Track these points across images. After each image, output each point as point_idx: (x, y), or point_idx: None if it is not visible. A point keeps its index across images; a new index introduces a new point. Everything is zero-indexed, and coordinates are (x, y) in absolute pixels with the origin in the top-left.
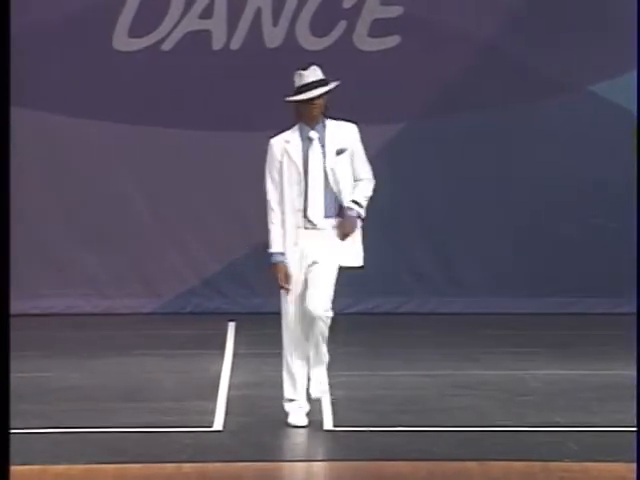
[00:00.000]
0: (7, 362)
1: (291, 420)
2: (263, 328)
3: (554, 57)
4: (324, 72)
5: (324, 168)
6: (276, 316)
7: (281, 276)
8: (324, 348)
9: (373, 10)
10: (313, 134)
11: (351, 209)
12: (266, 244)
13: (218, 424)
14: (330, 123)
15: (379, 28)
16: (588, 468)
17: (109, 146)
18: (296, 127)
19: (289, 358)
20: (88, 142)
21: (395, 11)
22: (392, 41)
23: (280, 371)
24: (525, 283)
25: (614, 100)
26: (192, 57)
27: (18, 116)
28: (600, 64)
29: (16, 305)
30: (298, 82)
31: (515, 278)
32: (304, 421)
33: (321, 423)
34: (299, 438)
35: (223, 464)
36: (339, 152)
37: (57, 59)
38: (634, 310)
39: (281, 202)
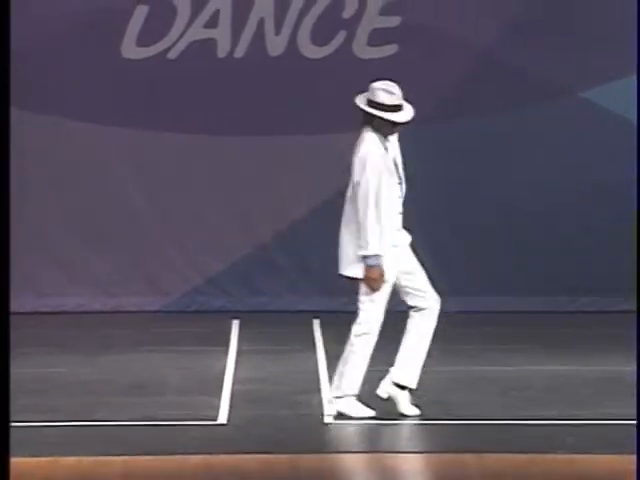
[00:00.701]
0: (7, 358)
1: (361, 413)
2: (266, 326)
3: (551, 63)
4: (325, 80)
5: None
6: (278, 314)
7: (381, 278)
8: None
9: (372, 20)
10: (388, 144)
11: None
12: (269, 244)
13: (223, 418)
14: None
15: (378, 37)
16: (578, 460)
17: (115, 149)
18: (374, 135)
19: (366, 357)
20: (95, 146)
21: (393, 21)
22: (390, 49)
23: (284, 366)
24: (523, 282)
25: (608, 106)
26: (197, 65)
27: (27, 120)
28: (595, 70)
29: (27, 303)
30: (389, 100)
31: (513, 277)
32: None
33: (322, 416)
34: (301, 431)
35: (228, 456)
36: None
37: (68, 65)
38: (630, 308)
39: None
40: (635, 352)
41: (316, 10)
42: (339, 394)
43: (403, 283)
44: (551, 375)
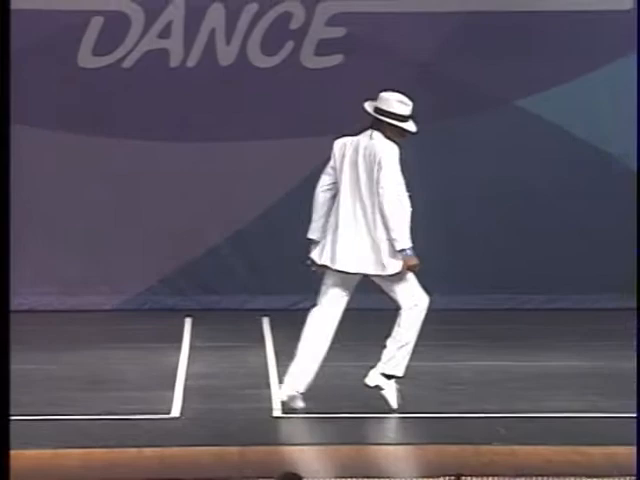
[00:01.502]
0: (7, 356)
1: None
2: (218, 323)
3: (486, 74)
4: (273, 88)
5: None
6: (229, 312)
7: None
8: None
9: (318, 31)
10: None
11: None
12: (220, 245)
13: (176, 411)
14: None
15: (324, 47)
16: (516, 451)
17: (74, 155)
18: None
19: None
20: (54, 151)
21: (339, 32)
22: (336, 59)
23: (235, 362)
24: (460, 281)
25: (540, 114)
26: (151, 74)
27: None
28: (530, 80)
29: None
30: (403, 110)
31: (450, 277)
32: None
33: (271, 410)
34: (251, 424)
35: (181, 448)
36: None
37: (27, 74)
38: (563, 306)
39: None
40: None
41: (265, 21)
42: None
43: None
44: (489, 370)
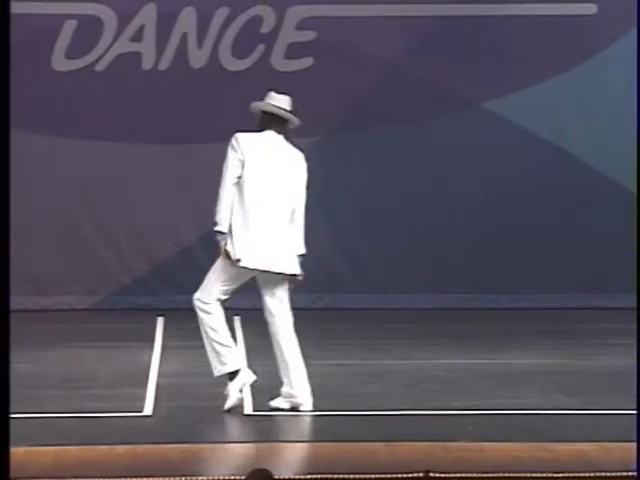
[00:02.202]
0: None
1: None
2: (189, 322)
3: (454, 76)
4: (244, 91)
5: None
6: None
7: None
8: None
9: (288, 34)
10: None
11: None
12: (192, 245)
13: (148, 409)
14: None
15: (294, 51)
16: (483, 447)
17: (46, 157)
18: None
19: None
20: (27, 153)
21: (308, 35)
22: (306, 62)
23: (207, 361)
24: (428, 281)
25: (506, 116)
26: (124, 76)
27: None
28: (497, 83)
29: None
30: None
31: (419, 276)
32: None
33: (242, 408)
34: (222, 422)
35: (152, 445)
36: None
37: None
38: (527, 305)
39: None
40: (554, 347)
41: (236, 25)
42: None
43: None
44: (456, 368)
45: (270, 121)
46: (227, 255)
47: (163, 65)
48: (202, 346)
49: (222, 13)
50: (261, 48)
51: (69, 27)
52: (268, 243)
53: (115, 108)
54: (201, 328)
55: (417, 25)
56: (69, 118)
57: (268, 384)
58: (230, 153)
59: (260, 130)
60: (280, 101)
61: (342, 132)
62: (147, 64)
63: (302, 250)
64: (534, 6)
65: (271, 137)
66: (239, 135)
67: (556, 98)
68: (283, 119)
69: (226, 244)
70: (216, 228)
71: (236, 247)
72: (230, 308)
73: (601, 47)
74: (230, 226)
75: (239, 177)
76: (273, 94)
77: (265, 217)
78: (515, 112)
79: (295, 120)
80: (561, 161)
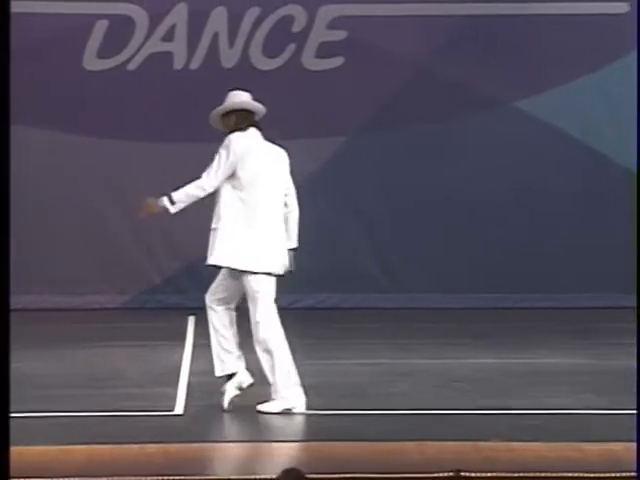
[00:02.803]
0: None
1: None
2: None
3: (483, 76)
4: (276, 90)
5: None
6: None
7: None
8: None
9: (319, 34)
10: None
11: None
12: None
13: (179, 408)
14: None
15: (325, 50)
16: (513, 447)
17: (80, 156)
18: None
19: None
20: (61, 153)
21: (339, 35)
22: (336, 62)
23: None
24: (457, 280)
25: (536, 115)
26: (155, 76)
27: None
28: (526, 82)
29: None
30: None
31: (448, 276)
32: None
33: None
34: (252, 421)
35: (183, 445)
36: None
37: (35, 77)
38: (556, 305)
39: None
40: (583, 346)
41: (267, 24)
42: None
43: None
44: (485, 367)
45: (249, 118)
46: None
47: (194, 65)
48: None
49: (253, 13)
50: (292, 47)
51: (101, 27)
52: (275, 245)
53: (146, 108)
54: (209, 326)
55: (447, 24)
56: (100, 117)
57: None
58: (224, 154)
59: (241, 129)
60: (245, 96)
61: (372, 131)
62: (178, 64)
63: (295, 244)
64: (564, 5)
65: (256, 134)
66: (234, 136)
67: (586, 97)
68: (255, 114)
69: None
70: (170, 205)
71: (242, 252)
72: None
73: (631, 46)
74: (226, 227)
75: (233, 179)
76: (233, 92)
77: (269, 217)
78: (545, 111)
79: (263, 111)
80: (591, 161)
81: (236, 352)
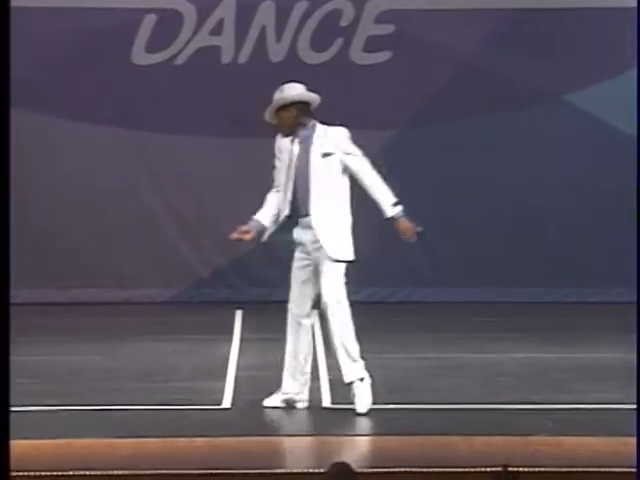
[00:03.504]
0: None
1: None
2: (267, 315)
3: (532, 69)
4: (323, 84)
5: (309, 169)
6: (279, 304)
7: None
8: None
9: (367, 28)
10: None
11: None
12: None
13: (227, 402)
14: (319, 128)
15: (373, 44)
16: (562, 442)
17: (127, 150)
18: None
19: None
20: (108, 147)
21: (387, 29)
22: (384, 56)
23: (285, 354)
24: (504, 274)
25: (587, 109)
26: (203, 70)
27: (48, 124)
28: (576, 75)
29: (47, 295)
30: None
31: (496, 270)
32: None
33: (320, 401)
34: (300, 415)
35: (231, 438)
36: (325, 155)
37: (83, 71)
38: (606, 299)
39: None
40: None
41: (315, 18)
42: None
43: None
44: (533, 362)
45: (307, 110)
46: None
47: (242, 59)
48: (280, 339)
49: (301, 6)
50: (340, 41)
51: (149, 21)
52: None
53: (195, 102)
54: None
55: (495, 17)
56: (148, 112)
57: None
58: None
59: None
60: (301, 88)
61: (419, 125)
62: (226, 58)
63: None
64: None
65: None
66: (338, 132)
67: (635, 90)
68: (311, 105)
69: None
70: (399, 206)
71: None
72: None
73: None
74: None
75: (346, 172)
76: (289, 85)
77: None
78: (595, 105)
79: (318, 101)
80: None
81: (287, 373)
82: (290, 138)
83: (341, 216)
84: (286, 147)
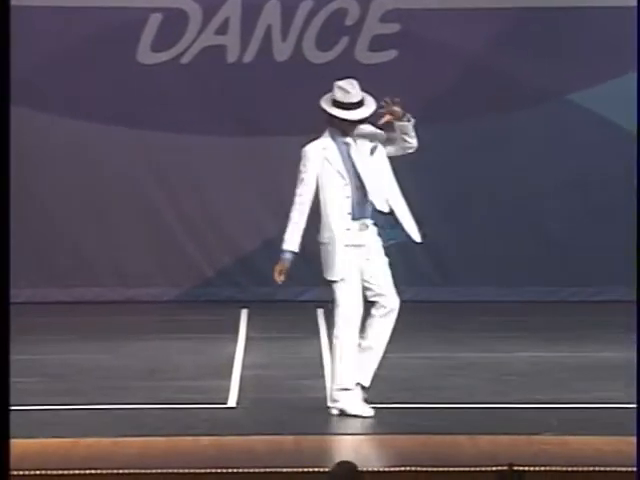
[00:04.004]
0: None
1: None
2: (273, 314)
3: (536, 69)
4: (328, 84)
5: (362, 170)
6: (284, 304)
7: (279, 270)
8: None
9: (372, 27)
10: (349, 140)
11: None
12: (274, 238)
13: (232, 401)
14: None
15: (378, 43)
16: (567, 441)
17: (132, 150)
18: (328, 134)
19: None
20: (113, 146)
21: (393, 28)
22: (390, 55)
23: (290, 353)
24: (510, 273)
25: (592, 108)
26: (209, 69)
27: (51, 123)
28: (580, 74)
29: (50, 294)
30: (343, 98)
31: (502, 269)
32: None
33: (325, 400)
34: (306, 414)
35: (237, 437)
36: (372, 150)
37: (88, 71)
38: (610, 298)
39: (307, 204)
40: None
41: (320, 17)
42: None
43: (366, 281)
44: (539, 361)
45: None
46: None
47: (247, 58)
48: (285, 338)
49: (306, 5)
50: (345, 40)
51: (155, 20)
52: None
53: (200, 101)
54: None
55: (500, 17)
56: (154, 111)
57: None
58: None
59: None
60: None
61: (424, 125)
62: (232, 57)
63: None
64: None
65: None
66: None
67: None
68: None
69: None
70: None
71: None
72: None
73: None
74: None
75: None
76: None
77: None
78: (600, 104)
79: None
80: None
81: None
82: (329, 142)
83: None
84: (332, 155)
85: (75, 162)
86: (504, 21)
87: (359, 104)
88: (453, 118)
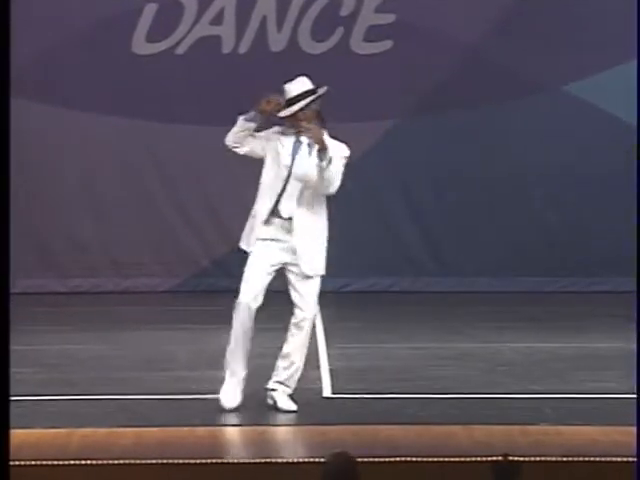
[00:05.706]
0: (7, 339)
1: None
2: (266, 304)
3: (532, 59)
4: (324, 74)
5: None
6: (278, 294)
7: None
8: None
9: (368, 17)
10: (303, 138)
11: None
12: None
13: None
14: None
15: (373, 33)
16: (562, 431)
17: (129, 140)
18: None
19: None
20: (110, 136)
21: (388, 18)
22: (385, 45)
23: (283, 343)
24: (506, 264)
25: (588, 99)
26: (204, 60)
27: (46, 113)
28: (576, 65)
29: (47, 284)
30: (286, 96)
31: (497, 259)
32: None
33: (321, 390)
34: (300, 404)
35: (233, 428)
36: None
37: (82, 61)
38: (606, 289)
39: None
40: (634, 331)
41: (315, 8)
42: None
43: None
44: (535, 351)
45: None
46: None
47: (243, 48)
48: (280, 329)
49: None
50: (340, 31)
51: (150, 11)
52: None
53: (195, 91)
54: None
55: (496, 7)
56: (149, 101)
57: (346, 366)
58: None
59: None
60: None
61: (420, 115)
62: (227, 47)
63: None
64: None
65: None
66: None
67: (636, 80)
68: None
69: None
70: None
71: None
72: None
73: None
74: None
75: None
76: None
77: None
78: (596, 94)
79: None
80: None
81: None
82: (286, 134)
83: None
84: (285, 146)
85: (71, 153)
86: (500, 12)
87: (297, 99)
88: (448, 108)
